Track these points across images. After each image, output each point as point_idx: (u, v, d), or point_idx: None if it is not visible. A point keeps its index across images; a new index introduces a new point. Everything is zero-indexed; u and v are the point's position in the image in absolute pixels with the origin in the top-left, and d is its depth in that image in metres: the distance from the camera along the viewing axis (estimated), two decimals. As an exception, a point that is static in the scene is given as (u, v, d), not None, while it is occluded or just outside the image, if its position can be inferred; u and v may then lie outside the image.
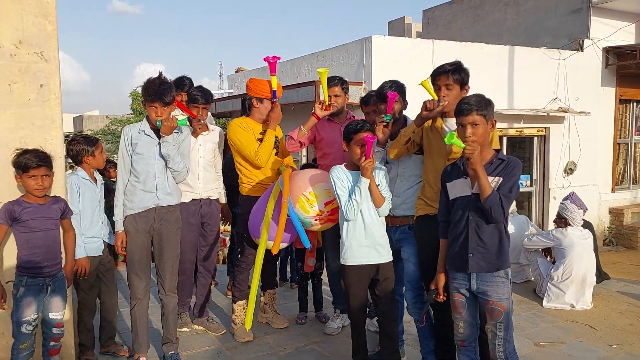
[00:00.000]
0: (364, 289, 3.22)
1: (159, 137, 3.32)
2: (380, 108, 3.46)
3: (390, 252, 3.24)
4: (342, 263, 3.21)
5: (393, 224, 3.38)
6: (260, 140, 3.85)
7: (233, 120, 4.00)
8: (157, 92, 3.21)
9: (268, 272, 4.23)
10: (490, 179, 2.63)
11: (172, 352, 3.53)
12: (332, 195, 3.30)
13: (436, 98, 3.07)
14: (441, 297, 2.90)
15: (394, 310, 3.27)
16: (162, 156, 3.34)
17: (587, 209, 5.47)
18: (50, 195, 3.09)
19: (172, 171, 3.40)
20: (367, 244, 3.15)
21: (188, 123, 3.63)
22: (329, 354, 3.83)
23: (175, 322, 3.59)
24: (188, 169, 3.51)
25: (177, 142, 3.38)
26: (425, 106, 3.08)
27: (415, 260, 3.35)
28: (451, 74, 3.05)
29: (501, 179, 2.63)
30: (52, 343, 3.07)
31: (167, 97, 3.25)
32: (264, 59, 3.67)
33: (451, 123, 3.17)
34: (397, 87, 3.42)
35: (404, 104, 3.51)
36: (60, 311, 3.06)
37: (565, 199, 5.48)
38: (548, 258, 5.61)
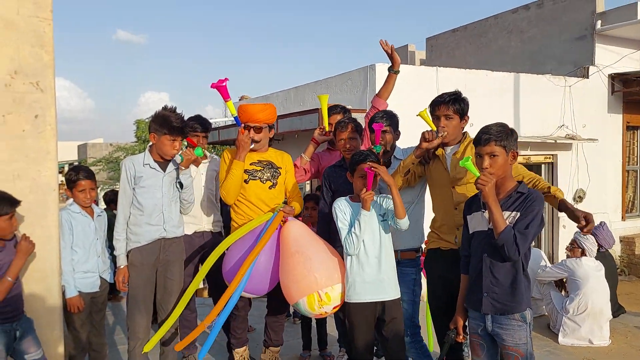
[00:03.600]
0: (369, 328, 3.02)
1: (164, 169, 3.30)
2: (370, 139, 3.37)
3: (398, 289, 3.06)
4: (345, 300, 3.03)
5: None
6: (249, 172, 3.44)
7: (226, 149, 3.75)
8: (179, 127, 3.25)
9: (273, 327, 3.71)
10: (506, 213, 2.48)
11: None
12: (343, 296, 3.02)
13: (434, 129, 2.98)
14: (461, 337, 2.72)
15: (403, 353, 3.07)
16: (175, 187, 3.38)
17: (614, 242, 5.28)
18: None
19: (185, 202, 3.43)
20: (372, 280, 2.96)
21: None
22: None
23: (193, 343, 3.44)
24: (194, 200, 3.53)
25: (190, 173, 3.41)
26: (424, 137, 2.98)
27: (408, 298, 3.22)
28: (451, 104, 2.96)
29: (518, 214, 2.46)
30: None
31: (186, 131, 3.38)
32: (211, 86, 3.26)
33: (448, 151, 3.07)
34: (389, 118, 3.33)
35: (397, 135, 3.41)
36: (37, 350, 2.86)
37: (596, 227, 5.27)
38: (563, 293, 5.41)
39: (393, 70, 3.75)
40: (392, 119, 3.35)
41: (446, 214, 3.05)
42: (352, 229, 2.93)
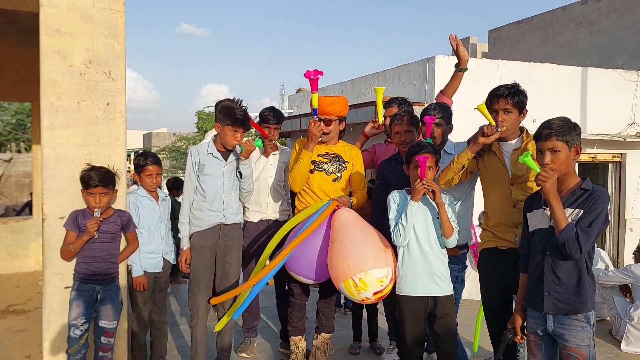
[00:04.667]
0: (420, 322, 3.00)
1: (226, 159, 3.42)
2: (422, 132, 3.33)
3: (452, 285, 3.03)
4: (396, 293, 3.03)
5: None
6: (315, 163, 3.55)
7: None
8: (242, 120, 3.35)
9: (324, 313, 3.75)
10: (569, 211, 2.39)
11: None
12: (384, 283, 3.03)
13: (493, 123, 2.88)
14: (519, 337, 2.66)
15: (455, 349, 3.03)
16: (235, 176, 3.49)
17: None
18: (116, 209, 3.18)
19: (244, 191, 3.54)
20: (423, 273, 2.95)
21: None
22: (384, 388, 3.63)
23: (230, 343, 3.58)
24: (252, 189, 3.65)
25: (249, 164, 3.52)
26: (482, 132, 2.89)
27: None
28: (510, 98, 2.86)
29: (581, 212, 2.37)
30: (100, 353, 3.09)
31: (249, 124, 3.45)
32: (305, 75, 3.25)
33: (507, 147, 2.97)
34: (441, 110, 3.28)
35: (449, 128, 3.35)
36: (110, 321, 3.10)
37: None
38: (626, 296, 5.14)
39: (459, 68, 3.60)
40: (444, 112, 3.29)
41: (503, 212, 2.97)
42: (400, 220, 2.93)
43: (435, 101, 3.67)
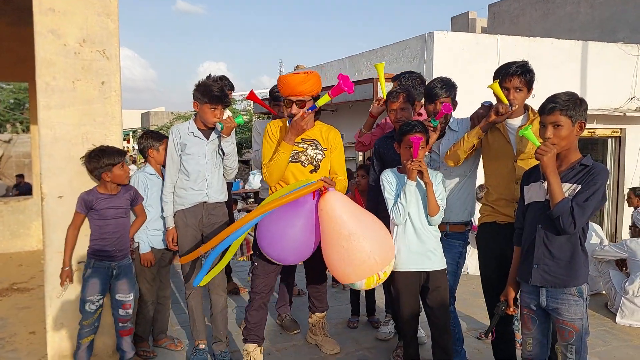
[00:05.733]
0: (414, 296, 3.07)
1: (207, 137, 3.40)
2: (428, 109, 3.27)
3: (444, 259, 3.08)
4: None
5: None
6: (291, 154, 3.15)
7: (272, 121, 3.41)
8: (219, 96, 3.31)
9: (316, 296, 3.69)
10: (567, 185, 2.39)
11: (222, 350, 3.53)
12: (392, 264, 2.99)
13: (506, 102, 2.86)
14: (512, 309, 2.71)
15: (447, 322, 3.10)
16: (218, 154, 3.43)
17: None
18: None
19: (227, 169, 3.49)
20: (417, 249, 2.99)
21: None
22: (381, 361, 3.70)
23: (224, 322, 3.60)
24: (237, 167, 3.60)
25: (232, 140, 3.45)
26: (497, 110, 2.87)
27: (452, 270, 3.23)
28: (522, 76, 2.85)
29: (579, 187, 2.38)
30: (120, 324, 3.28)
31: (227, 100, 3.40)
32: (340, 77, 2.94)
33: (512, 124, 2.97)
34: (448, 88, 3.22)
35: (454, 104, 3.28)
36: (127, 294, 3.26)
37: None
38: (622, 270, 5.20)
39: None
40: (451, 89, 3.24)
41: (506, 188, 2.98)
42: (399, 199, 2.96)
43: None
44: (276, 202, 2.87)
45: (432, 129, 3.11)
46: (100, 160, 3.11)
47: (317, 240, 3.06)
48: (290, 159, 3.17)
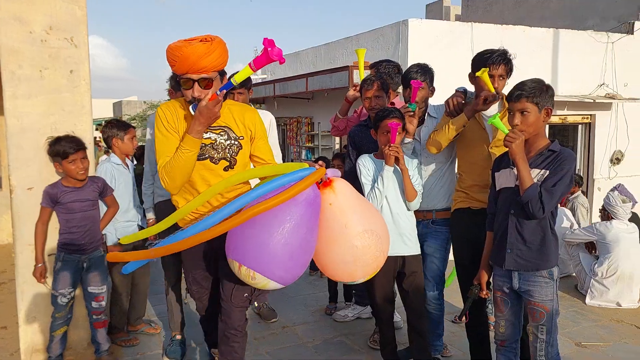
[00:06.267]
0: (389, 281, 3.10)
1: None
2: (405, 95, 3.26)
3: (419, 245, 3.12)
4: None
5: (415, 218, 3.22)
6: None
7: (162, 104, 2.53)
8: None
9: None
10: (536, 171, 2.44)
11: None
12: None
13: (493, 90, 2.85)
14: (484, 292, 2.76)
15: (423, 306, 3.15)
16: None
17: (637, 202, 5.15)
18: (89, 175, 3.18)
19: None
20: (394, 235, 2.99)
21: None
22: (358, 346, 3.75)
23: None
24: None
25: None
26: (484, 100, 2.86)
27: (440, 256, 3.27)
28: (506, 64, 2.89)
29: (547, 172, 2.43)
30: (94, 317, 3.25)
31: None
32: (268, 54, 2.12)
33: (489, 112, 3.00)
34: (424, 72, 3.21)
35: (431, 90, 3.28)
36: (99, 286, 3.22)
37: (612, 190, 5.18)
38: (592, 253, 5.35)
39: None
40: (428, 74, 3.23)
41: (480, 175, 3.01)
42: (375, 184, 2.98)
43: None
44: (266, 204, 2.11)
45: (411, 113, 3.10)
46: (52, 148, 3.02)
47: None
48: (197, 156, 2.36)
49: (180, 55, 2.20)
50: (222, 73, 2.38)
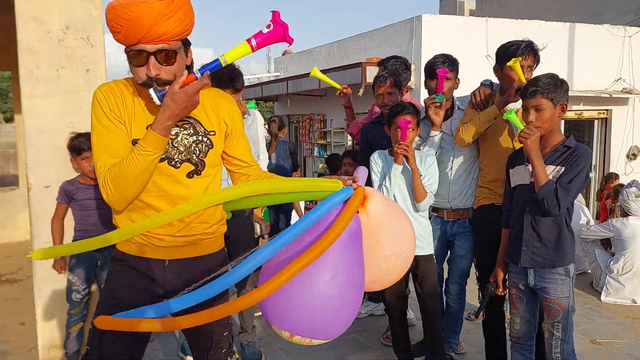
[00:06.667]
0: (401, 280, 3.08)
1: None
2: (430, 86, 3.14)
3: (432, 245, 3.08)
4: None
5: (450, 218, 3.18)
6: None
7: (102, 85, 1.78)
8: (225, 79, 3.09)
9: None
10: (551, 167, 2.42)
11: (249, 340, 3.50)
12: None
13: (524, 81, 2.75)
14: (501, 290, 2.74)
15: (437, 307, 3.11)
16: None
17: None
18: None
19: None
20: None
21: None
22: (371, 343, 3.75)
23: (250, 313, 3.48)
24: (259, 155, 3.39)
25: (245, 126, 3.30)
26: (517, 90, 2.74)
27: (471, 257, 3.21)
28: (534, 55, 2.85)
29: (563, 169, 2.40)
30: None
31: (236, 85, 3.14)
32: (278, 29, 1.59)
33: (513, 104, 2.94)
34: (450, 63, 3.10)
35: (457, 82, 3.18)
36: None
37: (627, 186, 5.12)
38: (607, 249, 5.29)
39: None
40: (454, 65, 3.13)
41: (503, 169, 2.88)
42: (383, 182, 2.95)
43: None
44: (311, 254, 1.52)
45: (437, 104, 3.01)
46: (71, 143, 3.07)
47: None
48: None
49: (128, 18, 1.54)
50: (186, 43, 1.75)
